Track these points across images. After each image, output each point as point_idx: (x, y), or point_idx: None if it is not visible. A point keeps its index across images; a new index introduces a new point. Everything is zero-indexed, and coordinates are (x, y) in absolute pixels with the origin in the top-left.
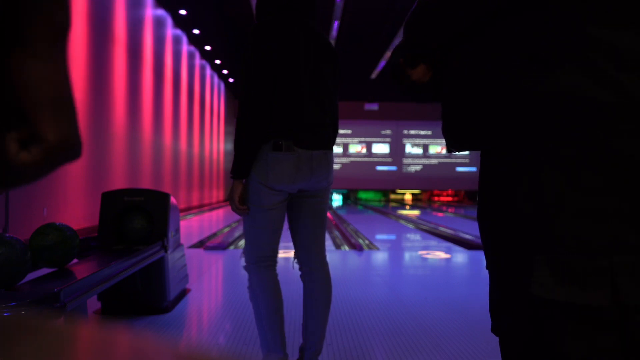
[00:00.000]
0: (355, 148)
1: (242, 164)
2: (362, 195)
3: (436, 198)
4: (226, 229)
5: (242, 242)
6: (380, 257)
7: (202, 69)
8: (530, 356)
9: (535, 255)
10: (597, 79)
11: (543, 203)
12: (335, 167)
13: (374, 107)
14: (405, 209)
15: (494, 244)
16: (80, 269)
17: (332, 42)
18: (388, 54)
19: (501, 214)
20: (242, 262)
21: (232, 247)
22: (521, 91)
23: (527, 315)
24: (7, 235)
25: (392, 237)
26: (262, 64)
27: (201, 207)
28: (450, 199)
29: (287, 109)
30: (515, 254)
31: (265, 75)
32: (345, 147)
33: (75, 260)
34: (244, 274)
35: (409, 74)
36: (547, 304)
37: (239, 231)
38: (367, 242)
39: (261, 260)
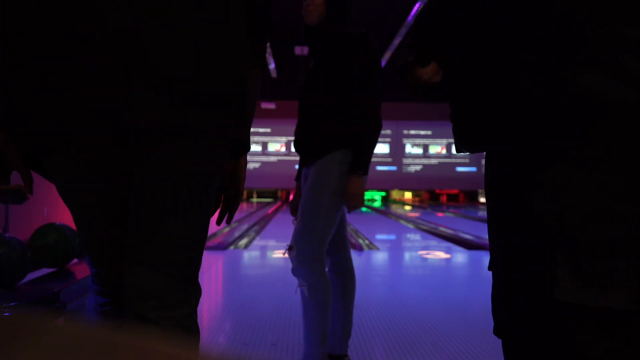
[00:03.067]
0: None
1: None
2: (368, 195)
3: (438, 190)
4: (226, 229)
5: (242, 242)
6: (380, 257)
7: None
8: (534, 358)
9: (556, 257)
10: (626, 79)
11: (565, 204)
12: None
13: None
14: (405, 209)
15: (506, 245)
16: (80, 269)
17: None
18: (388, 54)
19: (516, 215)
20: (294, 262)
21: (232, 247)
22: (539, 92)
23: (537, 317)
24: (7, 235)
25: (392, 237)
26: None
27: None
28: (456, 191)
29: None
30: (531, 256)
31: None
32: None
33: (75, 260)
34: (244, 274)
35: (419, 74)
36: (563, 306)
37: (239, 231)
38: (367, 242)
39: (322, 259)
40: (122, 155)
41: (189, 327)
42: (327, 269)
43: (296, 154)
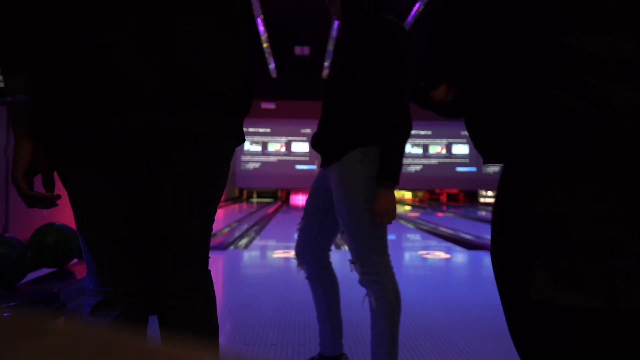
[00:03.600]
0: None
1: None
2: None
3: (438, 190)
4: (226, 229)
5: (242, 242)
6: None
7: None
8: (529, 355)
9: (534, 259)
10: (579, 91)
11: (541, 208)
12: None
13: None
14: (405, 209)
15: (506, 245)
16: (80, 269)
17: (332, 42)
18: None
19: (516, 214)
20: (359, 276)
21: (232, 247)
22: (539, 92)
23: (524, 316)
24: (7, 235)
25: (392, 237)
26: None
27: None
28: (456, 190)
29: None
30: (514, 257)
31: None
32: None
33: (75, 260)
34: (244, 274)
35: (432, 96)
36: (544, 306)
37: (239, 231)
38: None
39: (386, 265)
40: (148, 156)
41: (213, 299)
42: (307, 273)
43: (296, 154)
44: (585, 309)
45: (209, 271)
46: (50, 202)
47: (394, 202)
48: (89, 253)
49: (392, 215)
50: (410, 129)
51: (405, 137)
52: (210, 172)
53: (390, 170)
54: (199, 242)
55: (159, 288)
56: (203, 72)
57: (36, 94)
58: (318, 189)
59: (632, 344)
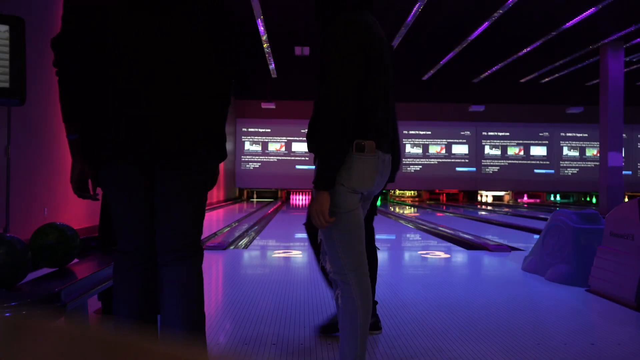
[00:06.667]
0: None
1: (333, 170)
2: None
3: (437, 190)
4: (226, 229)
5: (242, 242)
6: (380, 257)
7: None
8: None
9: None
10: None
11: None
12: None
13: None
14: (405, 209)
15: None
16: (81, 268)
17: None
18: None
19: None
20: (330, 273)
21: (232, 247)
22: None
23: None
24: (7, 235)
25: (392, 237)
26: (352, 61)
27: None
28: (455, 190)
29: (370, 110)
30: None
31: (355, 73)
32: None
33: (75, 260)
34: (244, 274)
35: None
36: None
37: (238, 231)
38: None
39: (360, 267)
40: (152, 167)
41: (198, 271)
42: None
43: (296, 154)
44: None
45: (199, 248)
46: (94, 197)
47: (322, 205)
48: (117, 226)
49: (321, 218)
50: (340, 122)
51: (327, 131)
52: (202, 182)
53: (316, 175)
54: (190, 225)
55: (159, 250)
56: (193, 118)
57: (87, 135)
58: None
59: None
